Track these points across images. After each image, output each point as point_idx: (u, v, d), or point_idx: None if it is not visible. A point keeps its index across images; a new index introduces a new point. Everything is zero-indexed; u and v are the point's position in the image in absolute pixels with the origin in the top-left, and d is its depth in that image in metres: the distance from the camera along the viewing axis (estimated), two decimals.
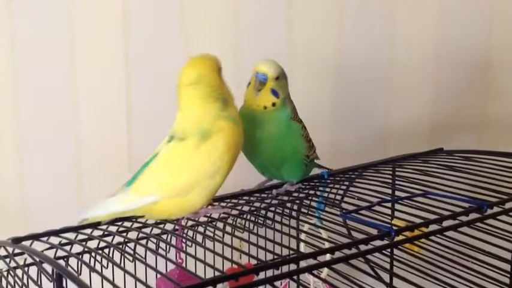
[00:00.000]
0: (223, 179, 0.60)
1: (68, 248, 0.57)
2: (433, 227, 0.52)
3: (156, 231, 0.63)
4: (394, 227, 0.51)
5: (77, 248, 0.59)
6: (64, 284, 0.48)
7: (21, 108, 0.83)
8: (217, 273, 0.47)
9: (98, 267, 0.57)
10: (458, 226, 0.51)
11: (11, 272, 0.58)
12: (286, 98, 0.68)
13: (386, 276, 0.70)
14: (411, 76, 1.00)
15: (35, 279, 0.55)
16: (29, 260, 0.58)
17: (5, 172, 0.84)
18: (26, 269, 0.57)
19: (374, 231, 0.51)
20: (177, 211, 0.60)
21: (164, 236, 0.67)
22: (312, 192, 0.69)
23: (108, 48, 0.86)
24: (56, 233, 0.57)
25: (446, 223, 0.53)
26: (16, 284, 0.57)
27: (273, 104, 0.66)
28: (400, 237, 0.51)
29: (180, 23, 0.89)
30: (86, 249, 0.58)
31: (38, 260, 0.54)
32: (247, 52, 0.90)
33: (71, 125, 0.86)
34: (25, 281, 0.55)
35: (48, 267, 0.54)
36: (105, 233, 0.60)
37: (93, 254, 0.60)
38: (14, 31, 0.81)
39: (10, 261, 0.58)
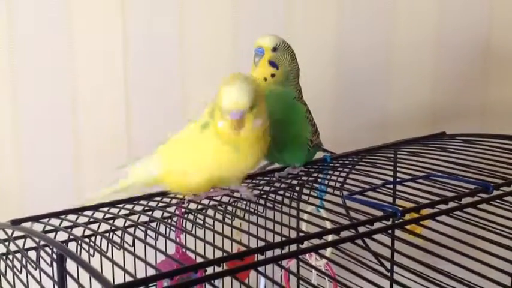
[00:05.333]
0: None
1: (67, 231, 0.57)
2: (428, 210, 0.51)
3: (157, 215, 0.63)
4: (400, 208, 0.50)
5: (78, 230, 0.58)
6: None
7: (19, 95, 0.82)
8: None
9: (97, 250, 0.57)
10: (464, 207, 0.51)
11: (10, 255, 0.57)
12: (290, 75, 0.67)
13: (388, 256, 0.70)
14: (412, 62, 1.00)
15: (35, 261, 0.55)
16: (28, 242, 0.57)
17: (3, 162, 0.83)
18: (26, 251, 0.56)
19: (375, 215, 0.51)
20: (189, 186, 0.60)
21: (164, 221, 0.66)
22: (314, 175, 0.69)
23: (106, 36, 0.86)
24: (57, 214, 0.57)
25: (450, 205, 0.53)
26: (14, 267, 0.56)
27: (272, 75, 0.65)
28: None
29: (180, 11, 0.88)
30: (88, 232, 0.57)
31: (38, 241, 0.53)
32: (246, 37, 0.90)
33: (69, 111, 0.85)
34: (26, 263, 0.54)
35: (48, 250, 0.54)
36: (107, 215, 0.60)
37: (93, 237, 0.60)
38: (12, 16, 0.80)
39: (9, 244, 0.57)
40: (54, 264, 0.54)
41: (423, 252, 0.50)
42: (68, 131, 0.85)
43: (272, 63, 0.65)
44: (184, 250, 0.71)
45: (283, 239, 0.47)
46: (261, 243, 0.49)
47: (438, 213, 0.50)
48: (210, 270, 0.46)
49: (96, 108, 0.87)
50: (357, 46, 0.96)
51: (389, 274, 0.69)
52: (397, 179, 0.65)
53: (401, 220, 0.50)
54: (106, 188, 0.60)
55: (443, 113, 1.02)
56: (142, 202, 0.63)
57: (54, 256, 0.51)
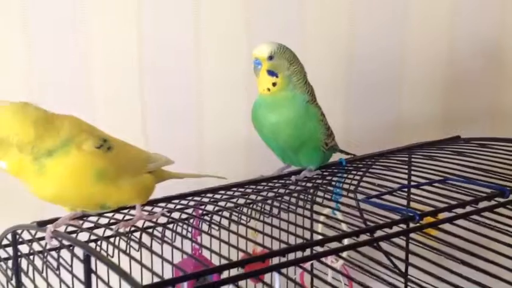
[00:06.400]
0: None
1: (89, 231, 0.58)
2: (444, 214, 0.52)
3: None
4: (418, 212, 0.51)
5: (98, 232, 0.59)
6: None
7: (35, 94, 0.83)
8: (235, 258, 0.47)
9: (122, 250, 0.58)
10: (481, 211, 0.51)
11: (34, 255, 0.58)
12: (293, 78, 0.66)
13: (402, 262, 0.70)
14: (424, 65, 1.01)
15: (59, 262, 0.56)
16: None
17: None
18: (52, 252, 0.57)
19: (390, 217, 0.52)
20: None
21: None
22: (329, 178, 0.69)
23: (122, 31, 0.86)
24: (81, 217, 0.58)
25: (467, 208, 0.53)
26: (35, 268, 0.57)
27: (274, 84, 0.66)
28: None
29: (194, 8, 0.89)
30: (113, 234, 0.58)
31: (60, 239, 0.54)
32: (260, 38, 0.90)
33: (85, 111, 0.86)
34: (52, 265, 0.56)
35: (64, 253, 0.55)
36: (126, 217, 0.61)
37: (112, 239, 0.61)
38: (27, 16, 0.81)
39: (32, 244, 0.58)
40: (75, 264, 0.55)
41: (438, 254, 0.51)
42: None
43: (271, 73, 0.66)
44: (200, 251, 0.72)
45: (297, 241, 0.48)
46: (275, 244, 0.50)
47: (455, 217, 0.51)
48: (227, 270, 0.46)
49: (112, 108, 0.88)
50: (369, 48, 0.97)
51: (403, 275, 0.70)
52: (412, 183, 0.66)
53: (419, 224, 0.51)
54: None
55: (455, 116, 1.03)
56: (160, 204, 0.64)
57: (80, 256, 0.52)
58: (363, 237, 0.50)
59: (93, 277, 0.47)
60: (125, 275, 0.41)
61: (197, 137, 0.92)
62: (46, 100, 0.83)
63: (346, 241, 0.56)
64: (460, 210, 0.53)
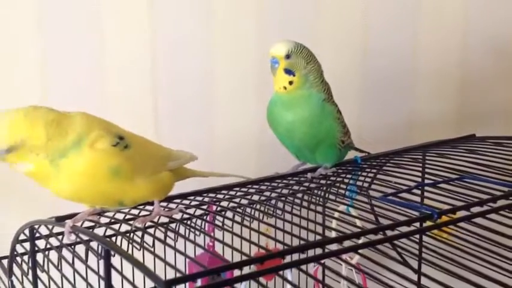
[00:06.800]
0: None
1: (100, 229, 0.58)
2: (461, 213, 0.52)
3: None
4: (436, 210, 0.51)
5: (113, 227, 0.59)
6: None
7: (49, 94, 0.84)
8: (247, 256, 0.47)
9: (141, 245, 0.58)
10: (499, 209, 0.51)
11: (50, 250, 0.59)
12: (310, 77, 0.66)
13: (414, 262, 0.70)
14: (438, 61, 1.00)
15: (75, 256, 0.57)
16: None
17: None
18: (69, 248, 0.58)
19: (403, 216, 0.52)
20: None
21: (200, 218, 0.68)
22: (343, 175, 0.70)
23: (135, 30, 0.87)
24: (98, 212, 0.58)
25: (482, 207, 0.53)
26: (50, 263, 0.58)
27: (291, 83, 0.66)
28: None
29: (206, 7, 0.89)
30: (132, 229, 0.59)
31: (77, 233, 0.55)
32: (273, 37, 0.90)
33: (98, 111, 0.86)
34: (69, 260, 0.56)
35: (81, 248, 0.55)
36: (142, 212, 0.61)
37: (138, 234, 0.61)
38: (41, 13, 0.81)
39: (49, 239, 0.59)
40: (90, 259, 0.56)
41: (452, 251, 0.51)
42: None
43: (288, 71, 0.66)
44: (214, 247, 0.72)
45: (311, 237, 0.48)
46: (287, 238, 0.51)
47: (473, 215, 0.51)
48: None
49: (125, 106, 0.88)
50: (383, 47, 0.97)
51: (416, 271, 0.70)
52: (426, 181, 0.66)
53: (437, 221, 0.51)
54: None
55: (469, 113, 1.03)
56: (176, 200, 0.64)
57: (100, 251, 0.53)
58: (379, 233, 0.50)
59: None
60: (146, 271, 0.41)
61: (208, 134, 0.93)
62: (60, 99, 0.85)
63: (361, 238, 0.56)
64: (476, 209, 0.53)
